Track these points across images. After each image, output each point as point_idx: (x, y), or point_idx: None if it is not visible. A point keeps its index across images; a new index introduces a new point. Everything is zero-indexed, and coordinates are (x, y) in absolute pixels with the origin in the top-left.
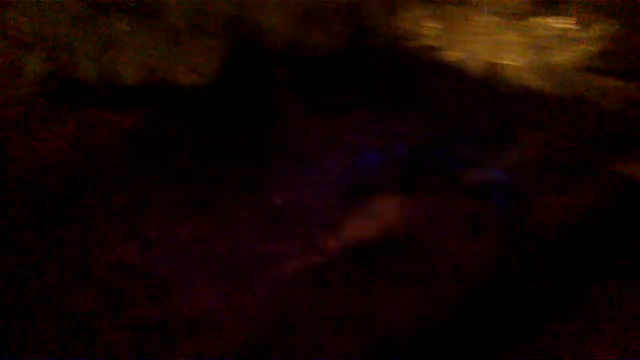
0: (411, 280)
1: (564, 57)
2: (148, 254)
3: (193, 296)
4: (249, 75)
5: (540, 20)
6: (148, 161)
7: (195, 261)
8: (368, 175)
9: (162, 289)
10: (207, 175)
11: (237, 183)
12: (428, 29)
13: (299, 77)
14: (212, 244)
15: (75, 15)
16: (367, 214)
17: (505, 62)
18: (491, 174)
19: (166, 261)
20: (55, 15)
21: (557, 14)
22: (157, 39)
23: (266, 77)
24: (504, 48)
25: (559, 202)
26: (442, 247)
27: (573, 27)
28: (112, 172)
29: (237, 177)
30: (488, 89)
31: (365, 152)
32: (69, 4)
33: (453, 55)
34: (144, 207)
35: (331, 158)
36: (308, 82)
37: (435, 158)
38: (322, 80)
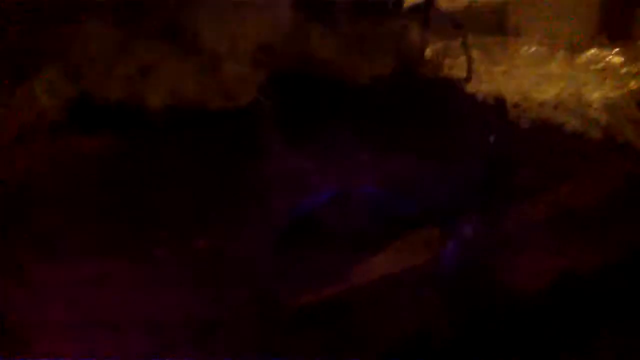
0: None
1: (611, 92)
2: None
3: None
4: (275, 105)
5: (594, 52)
6: (91, 189)
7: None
8: (321, 222)
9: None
10: (148, 210)
11: (177, 221)
12: (458, 59)
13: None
14: (106, 289)
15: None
16: (307, 268)
17: (540, 97)
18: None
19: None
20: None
21: (617, 46)
22: (192, 65)
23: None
24: (543, 82)
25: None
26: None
27: (630, 60)
28: (50, 197)
29: (182, 214)
30: (513, 129)
31: (328, 195)
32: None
33: (482, 88)
34: (49, 242)
35: (292, 199)
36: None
37: (413, 207)
38: (336, 112)
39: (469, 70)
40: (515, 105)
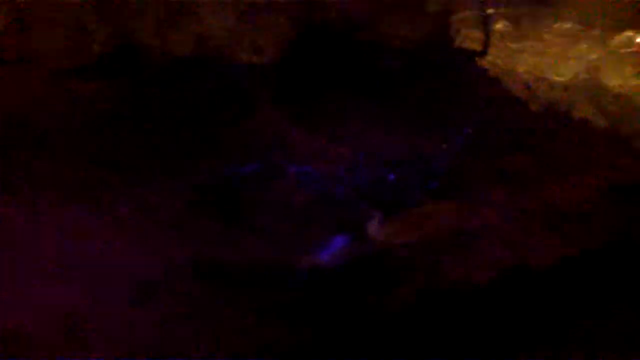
0: None
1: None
2: None
3: None
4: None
5: (630, 34)
6: (73, 136)
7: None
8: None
9: None
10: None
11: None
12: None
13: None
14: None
15: None
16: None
17: (556, 78)
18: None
19: None
20: None
21: None
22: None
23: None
24: (565, 62)
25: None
26: None
27: None
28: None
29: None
30: (521, 108)
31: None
32: None
33: (497, 63)
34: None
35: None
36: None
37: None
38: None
39: (486, 44)
40: (526, 85)
